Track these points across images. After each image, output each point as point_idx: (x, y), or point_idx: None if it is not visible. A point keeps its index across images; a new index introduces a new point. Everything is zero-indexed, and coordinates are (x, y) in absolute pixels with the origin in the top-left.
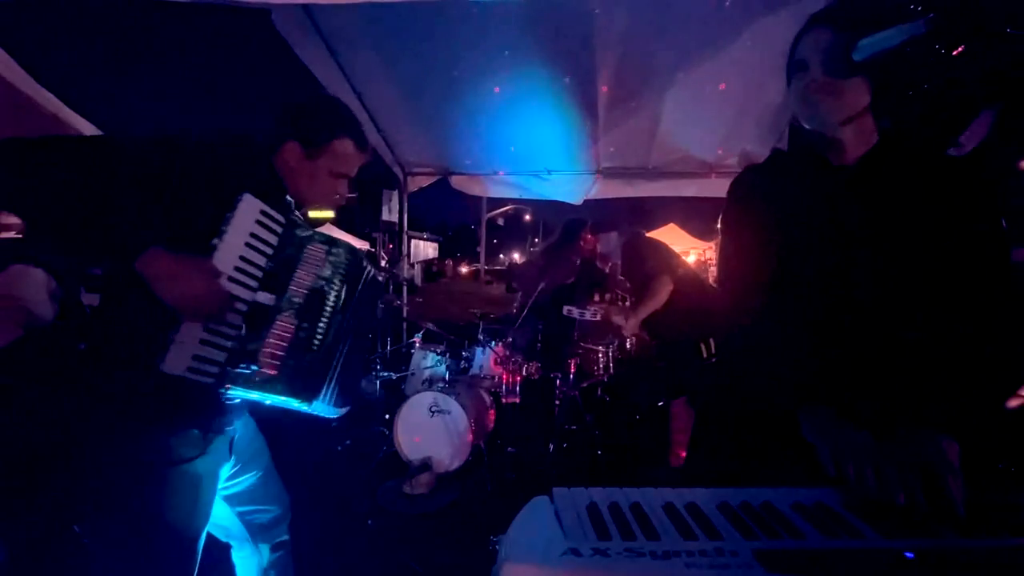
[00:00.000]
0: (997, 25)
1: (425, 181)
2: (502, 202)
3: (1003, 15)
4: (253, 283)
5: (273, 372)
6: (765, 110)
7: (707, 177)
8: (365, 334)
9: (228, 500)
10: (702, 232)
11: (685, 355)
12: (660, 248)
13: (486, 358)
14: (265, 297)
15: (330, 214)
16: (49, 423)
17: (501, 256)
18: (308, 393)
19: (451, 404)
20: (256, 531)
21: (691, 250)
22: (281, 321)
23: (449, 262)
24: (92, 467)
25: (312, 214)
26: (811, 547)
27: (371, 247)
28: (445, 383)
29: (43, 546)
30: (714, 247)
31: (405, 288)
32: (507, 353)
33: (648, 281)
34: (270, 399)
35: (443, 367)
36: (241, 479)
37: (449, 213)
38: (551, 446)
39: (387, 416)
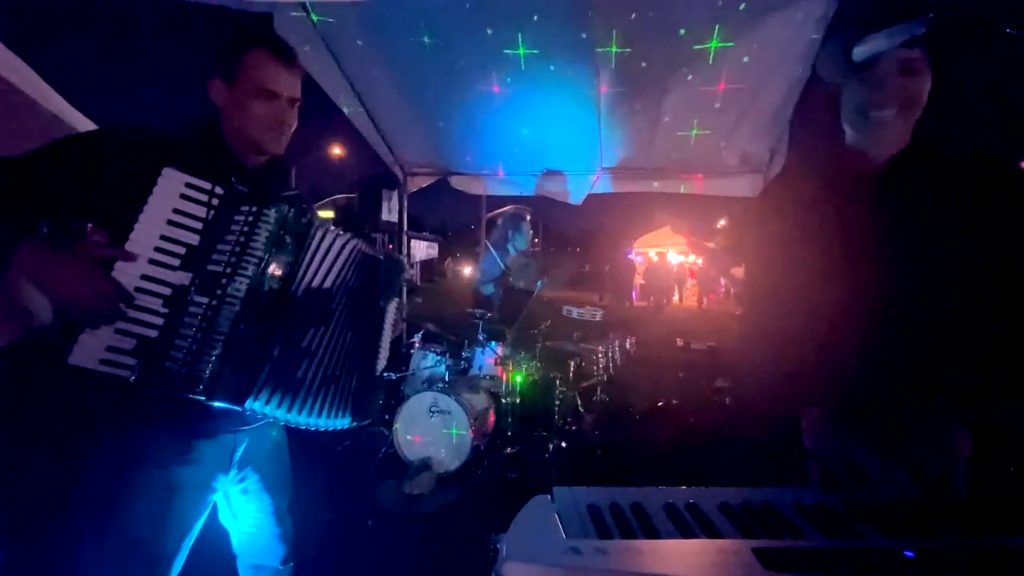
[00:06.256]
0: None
1: (425, 181)
2: (502, 202)
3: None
4: (175, 262)
5: (183, 368)
6: (765, 110)
7: (708, 177)
8: (347, 317)
9: (235, 520)
10: (702, 232)
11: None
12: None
13: (486, 358)
14: (182, 276)
15: (329, 214)
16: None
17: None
18: (226, 393)
19: (451, 404)
20: None
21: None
22: (193, 304)
23: (449, 262)
24: (76, 465)
25: None
26: (811, 546)
27: None
28: (445, 383)
29: (40, 545)
30: (714, 247)
31: (405, 288)
32: (507, 353)
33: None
34: (214, 404)
35: (443, 367)
36: (249, 498)
37: (449, 213)
38: (551, 446)
39: (387, 416)
